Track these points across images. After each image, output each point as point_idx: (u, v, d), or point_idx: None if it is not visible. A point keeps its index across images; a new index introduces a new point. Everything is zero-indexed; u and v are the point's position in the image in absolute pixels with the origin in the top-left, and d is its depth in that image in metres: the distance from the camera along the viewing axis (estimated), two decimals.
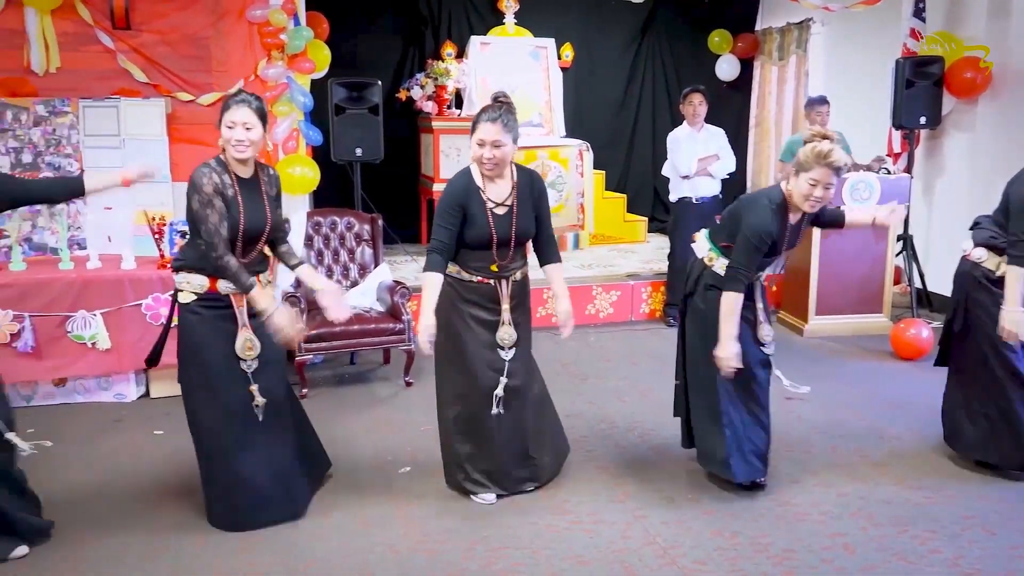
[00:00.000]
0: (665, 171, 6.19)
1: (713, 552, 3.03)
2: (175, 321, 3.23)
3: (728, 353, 3.22)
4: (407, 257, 7.02)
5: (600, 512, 3.33)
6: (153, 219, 4.63)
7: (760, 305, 3.43)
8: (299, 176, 5.20)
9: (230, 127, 3.03)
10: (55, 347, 4.45)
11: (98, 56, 5.02)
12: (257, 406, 3.17)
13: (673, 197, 6.09)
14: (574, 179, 7.61)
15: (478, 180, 3.26)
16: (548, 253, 3.48)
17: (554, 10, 8.41)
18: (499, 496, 3.42)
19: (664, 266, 6.38)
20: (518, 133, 3.26)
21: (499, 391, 3.30)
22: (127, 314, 4.50)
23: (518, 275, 3.39)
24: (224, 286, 3.11)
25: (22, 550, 3.01)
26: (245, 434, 3.18)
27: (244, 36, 5.22)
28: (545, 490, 3.51)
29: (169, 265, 4.42)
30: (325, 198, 6.03)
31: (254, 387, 3.16)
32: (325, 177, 5.68)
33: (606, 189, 8.36)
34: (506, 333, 3.33)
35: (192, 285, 3.12)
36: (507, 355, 3.34)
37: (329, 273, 5.27)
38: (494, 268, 3.29)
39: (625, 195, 8.53)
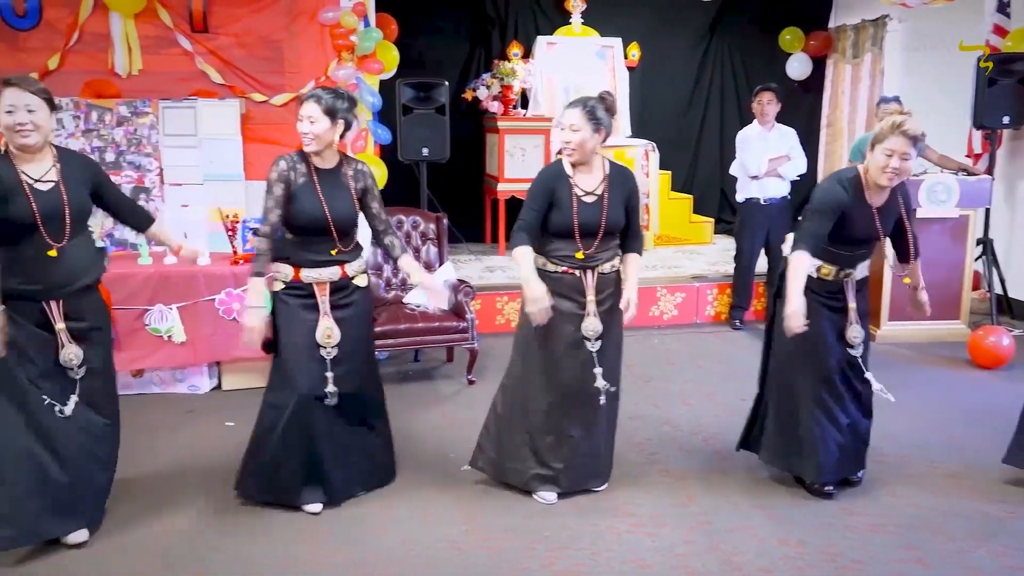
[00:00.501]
0: (733, 171, 6.10)
1: (779, 560, 2.98)
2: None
3: (790, 310, 3.14)
4: (471, 256, 7.07)
5: (662, 516, 3.30)
6: (227, 216, 4.77)
7: (853, 305, 3.38)
8: None
9: (299, 120, 3.19)
10: (134, 339, 4.61)
11: (177, 59, 5.19)
12: (329, 393, 3.25)
13: (740, 197, 5.99)
14: (639, 180, 7.55)
15: (568, 170, 3.32)
16: (632, 244, 3.48)
17: (621, 9, 8.35)
18: (560, 495, 3.42)
19: (731, 268, 6.28)
20: (608, 127, 3.30)
21: (599, 382, 3.31)
22: (201, 308, 4.64)
23: (606, 267, 3.37)
24: (307, 275, 3.24)
25: (82, 535, 3.08)
26: (310, 419, 3.25)
27: (316, 38, 5.33)
28: (606, 492, 3.49)
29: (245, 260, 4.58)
30: (391, 197, 6.05)
31: (329, 374, 3.24)
32: (392, 176, 5.76)
33: (672, 190, 8.27)
34: (591, 324, 3.32)
35: (280, 274, 3.28)
36: (593, 347, 3.33)
37: (395, 271, 5.34)
38: (580, 256, 3.30)
39: (691, 196, 8.43)
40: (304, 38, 5.33)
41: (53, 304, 2.95)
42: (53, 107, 2.94)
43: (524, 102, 7.81)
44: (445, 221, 5.43)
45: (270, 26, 5.28)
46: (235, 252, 4.77)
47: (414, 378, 5.15)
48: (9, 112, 2.82)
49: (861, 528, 3.19)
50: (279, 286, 3.30)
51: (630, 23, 8.40)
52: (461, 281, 5.00)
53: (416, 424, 4.31)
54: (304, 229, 3.23)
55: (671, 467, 3.75)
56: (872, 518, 3.26)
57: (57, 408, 2.97)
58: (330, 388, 3.24)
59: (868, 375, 3.41)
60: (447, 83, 6.06)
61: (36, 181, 2.89)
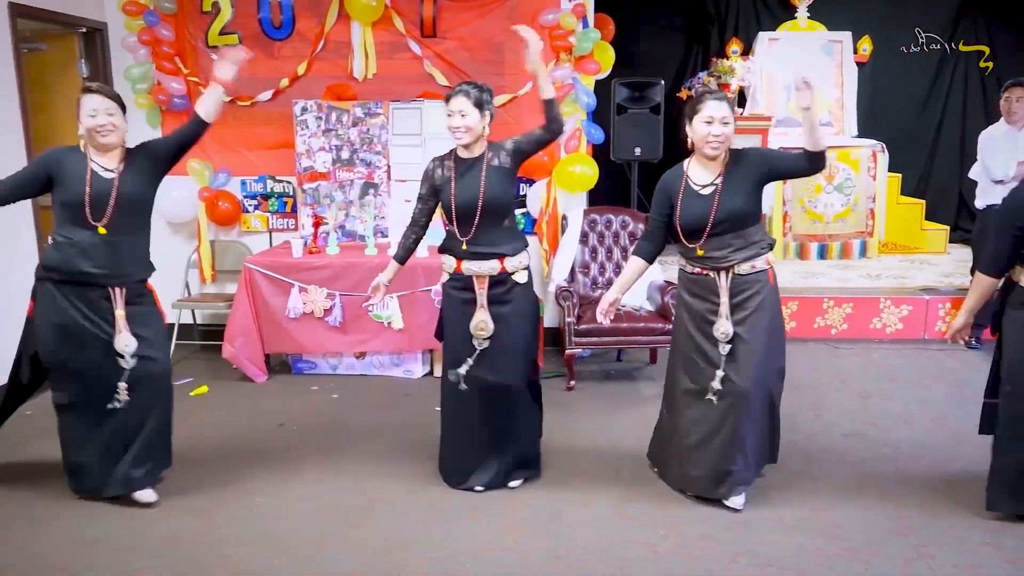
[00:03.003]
0: (973, 174, 5.55)
1: None
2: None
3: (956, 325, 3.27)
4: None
5: (878, 543, 3.08)
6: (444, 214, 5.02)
7: None
8: (579, 174, 5.34)
9: (449, 115, 3.31)
10: (358, 324, 4.99)
11: (408, 62, 5.52)
12: (460, 376, 3.42)
13: (980, 203, 5.45)
14: (864, 182, 7.09)
15: (686, 166, 3.30)
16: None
17: (853, 1, 7.85)
18: (703, 499, 3.37)
19: (967, 281, 5.72)
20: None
21: (715, 383, 3.25)
22: (419, 298, 4.93)
23: (743, 268, 3.23)
24: (467, 267, 3.39)
25: (149, 495, 3.40)
26: (457, 404, 3.50)
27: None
28: (814, 512, 3.31)
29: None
30: (601, 196, 6.14)
31: (469, 361, 3.41)
32: (603, 175, 5.78)
33: (901, 193, 7.66)
34: (722, 327, 3.23)
35: (446, 266, 3.48)
36: (723, 349, 3.24)
37: (601, 270, 5.38)
38: (700, 253, 3.25)
39: (924, 201, 7.77)
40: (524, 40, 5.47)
41: (117, 290, 3.27)
42: (124, 110, 3.30)
43: (741, 100, 7.56)
44: None
45: (493, 29, 5.49)
46: None
47: (615, 378, 5.16)
48: (92, 116, 3.18)
49: None
50: (445, 277, 3.51)
51: (862, 15, 7.87)
52: (668, 282, 4.94)
53: (615, 424, 4.32)
54: (455, 219, 3.38)
55: (890, 491, 3.49)
56: None
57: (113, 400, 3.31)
58: (461, 371, 3.42)
59: None
60: (663, 82, 6.00)
61: (108, 171, 3.23)
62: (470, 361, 3.42)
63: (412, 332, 4.96)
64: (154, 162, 3.35)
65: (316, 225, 5.29)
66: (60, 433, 3.42)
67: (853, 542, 3.09)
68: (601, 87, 5.70)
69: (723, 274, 3.24)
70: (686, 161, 3.35)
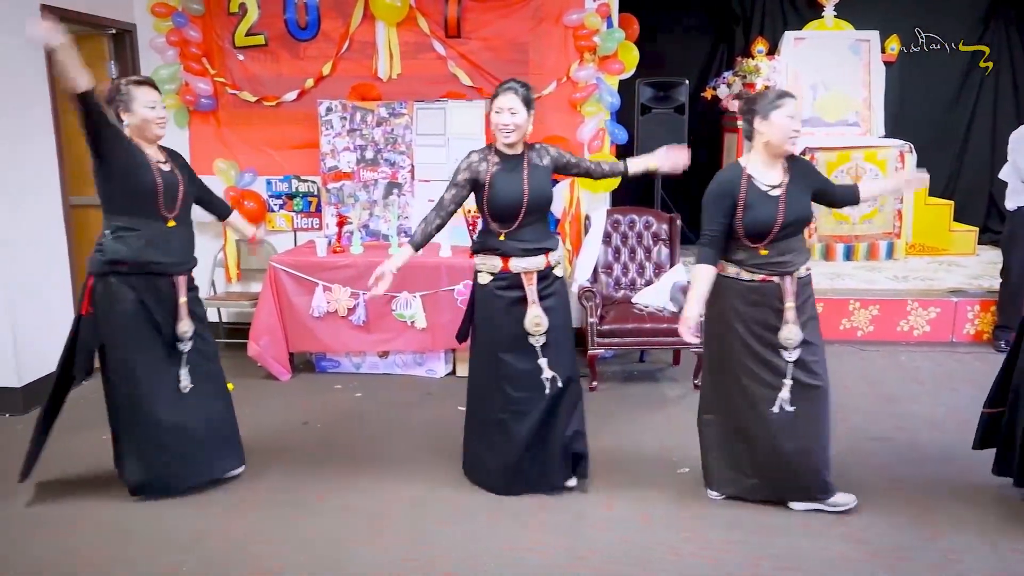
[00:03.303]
0: (1003, 174, 5.47)
1: None
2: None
3: None
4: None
5: (905, 549, 3.05)
6: (468, 212, 5.03)
7: None
8: None
9: (498, 112, 3.30)
10: (382, 323, 5.01)
11: (432, 63, 5.54)
12: (547, 379, 3.39)
13: (1011, 205, 5.37)
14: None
15: (746, 167, 3.21)
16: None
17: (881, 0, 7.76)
18: (761, 501, 3.33)
19: (996, 283, 5.64)
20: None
21: (784, 393, 3.19)
22: (442, 297, 4.94)
23: (802, 271, 3.22)
24: (515, 264, 3.37)
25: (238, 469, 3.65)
26: (520, 404, 3.42)
27: (559, 39, 5.47)
28: (840, 516, 3.28)
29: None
30: (625, 196, 6.13)
31: (543, 360, 3.38)
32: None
33: (929, 195, 7.56)
34: (791, 332, 3.17)
35: (486, 266, 3.43)
36: (791, 356, 3.18)
37: (624, 271, 5.36)
38: (764, 252, 3.17)
39: (952, 202, 7.66)
40: (548, 40, 5.48)
41: (180, 278, 3.39)
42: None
43: None
44: (679, 222, 5.37)
45: (517, 29, 5.49)
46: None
47: (638, 379, 5.14)
48: (151, 107, 3.32)
49: None
50: (486, 279, 3.43)
51: (890, 14, 7.77)
52: None
53: (638, 425, 4.31)
54: (499, 215, 3.34)
55: (917, 496, 3.45)
56: None
57: (180, 384, 3.44)
58: (547, 374, 3.38)
59: None
60: (687, 82, 5.97)
61: (159, 162, 3.37)
62: (544, 363, 3.39)
63: (435, 332, 4.98)
64: (191, 180, 3.56)
65: (340, 224, 5.32)
66: (120, 427, 3.46)
67: (879, 547, 3.06)
68: (625, 87, 5.69)
69: (788, 279, 3.18)
70: (742, 161, 3.25)
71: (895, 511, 3.32)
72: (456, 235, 5.16)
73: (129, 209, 3.28)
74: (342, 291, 4.96)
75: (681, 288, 4.97)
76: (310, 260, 5.05)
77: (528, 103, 3.32)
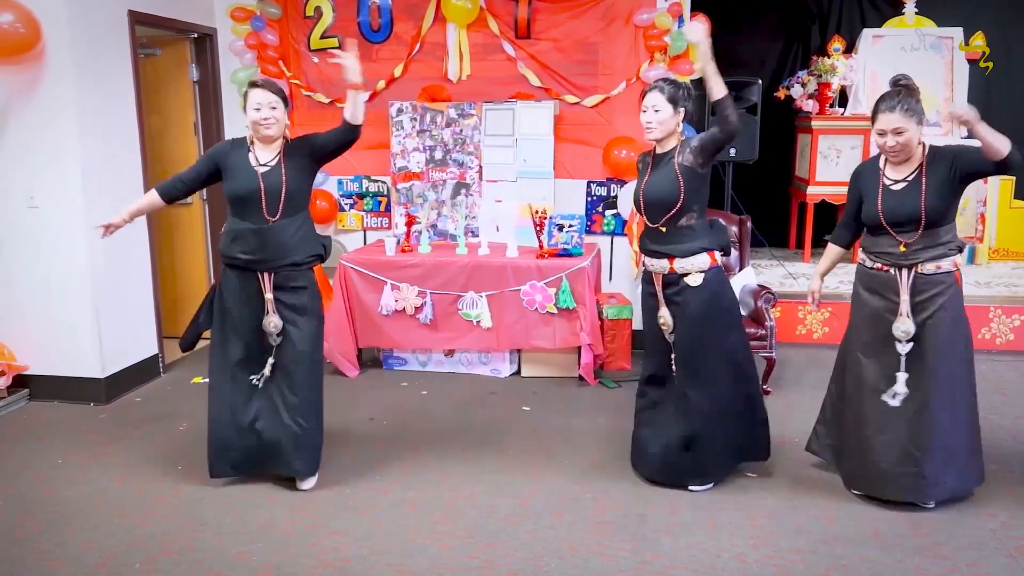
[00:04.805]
0: None
1: None
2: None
3: None
4: (774, 261, 6.78)
5: (982, 564, 2.93)
6: (536, 212, 5.04)
7: None
8: None
9: (643, 111, 3.36)
10: (448, 322, 5.06)
11: (501, 64, 5.57)
12: (673, 371, 3.48)
13: None
14: (974, 185, 6.71)
15: (881, 162, 3.27)
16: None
17: None
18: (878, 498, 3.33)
19: None
20: (922, 114, 3.15)
21: (899, 387, 3.19)
22: (507, 298, 4.96)
23: (927, 267, 3.15)
24: (647, 262, 3.48)
25: (311, 482, 3.60)
26: (654, 397, 3.61)
27: (629, 39, 5.43)
28: (918, 528, 3.18)
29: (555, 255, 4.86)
30: None
31: (673, 356, 3.48)
32: None
33: (1015, 198, 7.24)
34: (902, 325, 3.15)
35: (643, 259, 3.55)
36: (903, 348, 3.16)
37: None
38: (903, 248, 3.16)
39: None
40: (618, 40, 5.45)
41: (266, 275, 3.43)
42: (287, 104, 3.47)
43: (842, 101, 7.31)
44: (748, 224, 5.27)
45: (587, 29, 5.48)
46: (541, 246, 5.02)
47: None
48: (256, 109, 3.37)
49: None
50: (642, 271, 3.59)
51: (975, 10, 7.47)
52: (762, 287, 4.82)
53: None
54: (640, 210, 3.45)
55: (999, 512, 3.31)
56: None
57: (255, 378, 3.51)
58: (675, 368, 3.48)
59: None
60: (759, 82, 5.86)
61: (262, 165, 3.40)
62: (674, 358, 3.48)
63: (500, 332, 5.00)
64: (311, 157, 3.52)
65: (409, 224, 5.39)
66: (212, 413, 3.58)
67: (956, 561, 2.95)
68: (696, 87, 5.61)
69: (904, 272, 3.18)
70: (881, 158, 3.30)
71: (974, 525, 3.20)
72: (523, 235, 5.17)
73: (230, 208, 3.47)
74: (410, 290, 5.02)
75: (751, 291, 4.88)
76: (379, 259, 5.13)
77: (675, 101, 3.34)
